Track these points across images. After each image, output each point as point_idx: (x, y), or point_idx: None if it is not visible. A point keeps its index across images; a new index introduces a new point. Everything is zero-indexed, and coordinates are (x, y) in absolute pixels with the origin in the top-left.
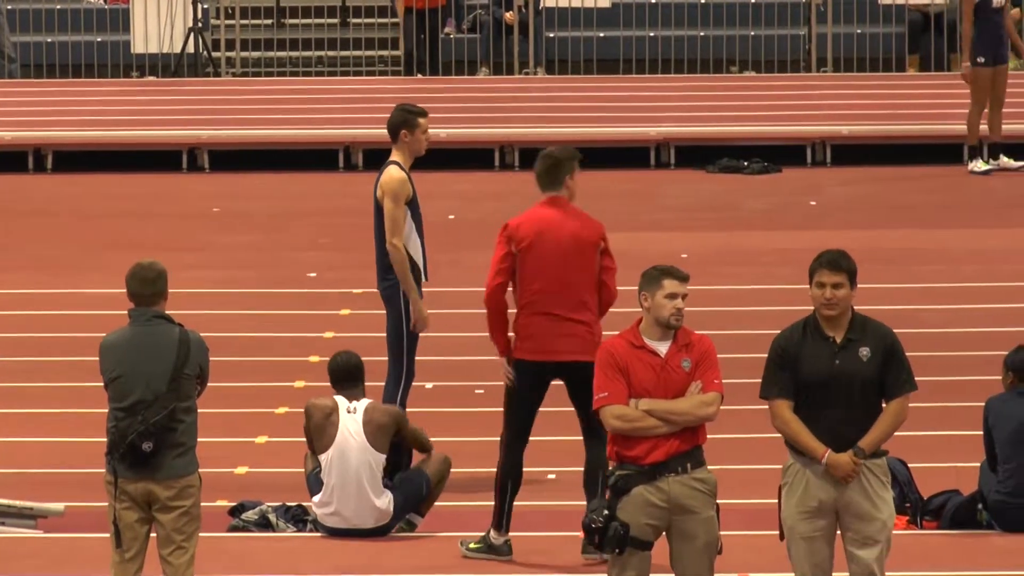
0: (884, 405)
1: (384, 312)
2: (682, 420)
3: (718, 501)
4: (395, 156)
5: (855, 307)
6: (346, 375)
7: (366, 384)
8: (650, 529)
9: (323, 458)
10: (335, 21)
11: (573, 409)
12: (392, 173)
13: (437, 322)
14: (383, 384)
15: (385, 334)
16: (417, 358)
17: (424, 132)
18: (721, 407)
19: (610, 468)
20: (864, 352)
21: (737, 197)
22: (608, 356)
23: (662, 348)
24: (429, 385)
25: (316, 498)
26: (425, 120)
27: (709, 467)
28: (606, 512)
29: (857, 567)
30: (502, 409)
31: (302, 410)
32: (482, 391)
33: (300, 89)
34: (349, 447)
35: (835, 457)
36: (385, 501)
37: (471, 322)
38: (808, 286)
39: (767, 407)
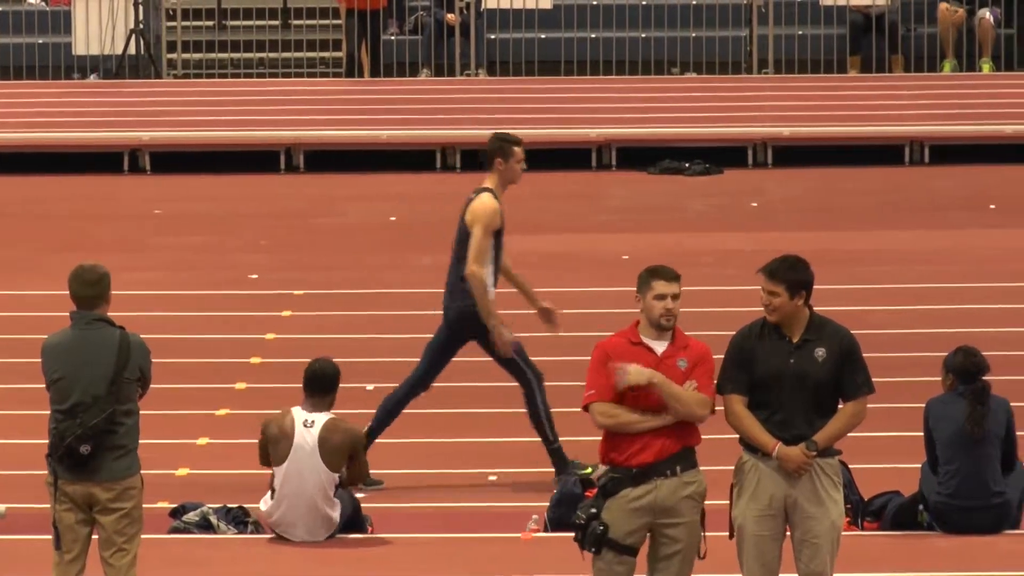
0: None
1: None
2: (680, 408)
3: (707, 502)
4: (488, 183)
5: (814, 308)
6: (316, 383)
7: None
8: (635, 533)
9: (277, 471)
10: (276, 23)
11: (515, 410)
12: (486, 201)
13: (378, 324)
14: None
15: (430, 340)
16: (358, 360)
17: (519, 161)
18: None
19: (602, 469)
20: (820, 353)
21: (678, 199)
22: (602, 353)
23: (659, 347)
24: (370, 387)
25: (264, 507)
26: (520, 149)
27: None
28: (592, 510)
29: (805, 566)
30: (440, 411)
31: (243, 412)
32: (423, 392)
33: (241, 91)
34: (304, 463)
35: (785, 449)
36: (336, 512)
37: (413, 324)
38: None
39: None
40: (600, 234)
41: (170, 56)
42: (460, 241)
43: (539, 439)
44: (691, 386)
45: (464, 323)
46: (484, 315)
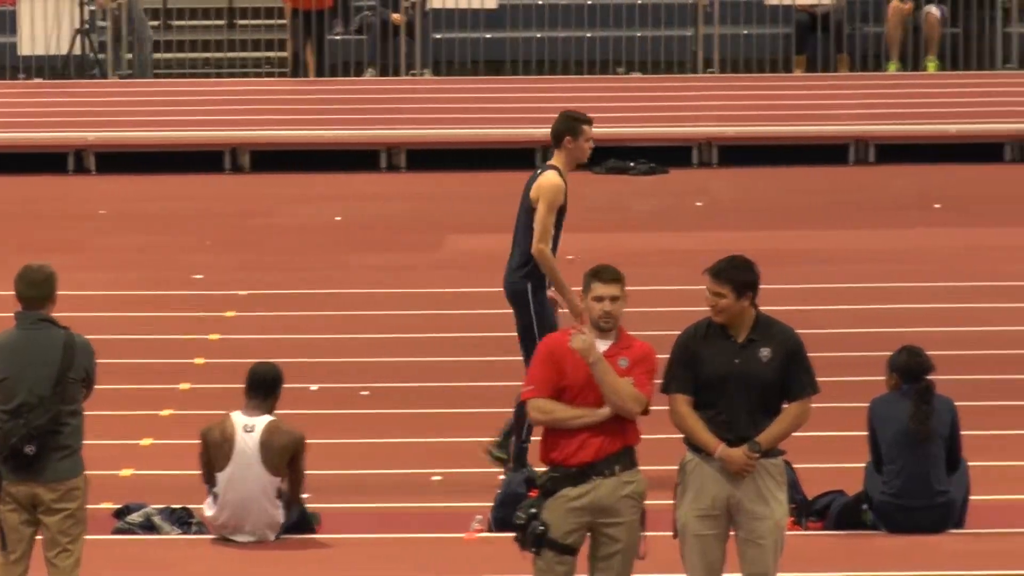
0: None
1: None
2: (612, 397)
3: (650, 502)
4: (555, 161)
5: (760, 308)
6: (256, 385)
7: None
8: (574, 532)
9: (220, 476)
10: (222, 23)
11: (460, 410)
12: (551, 178)
13: (323, 324)
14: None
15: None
16: (302, 360)
17: (588, 140)
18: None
19: (544, 469)
20: (765, 353)
21: (624, 198)
22: (545, 349)
23: (602, 346)
24: (314, 387)
25: (208, 512)
26: (589, 127)
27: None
28: (532, 510)
29: (749, 566)
30: (384, 411)
31: (187, 412)
32: (367, 393)
33: (187, 91)
34: (246, 468)
35: (728, 450)
36: (281, 513)
37: (358, 324)
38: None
39: (662, 408)
40: None
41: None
42: (522, 218)
43: (513, 436)
44: (628, 383)
45: (513, 299)
46: (558, 289)
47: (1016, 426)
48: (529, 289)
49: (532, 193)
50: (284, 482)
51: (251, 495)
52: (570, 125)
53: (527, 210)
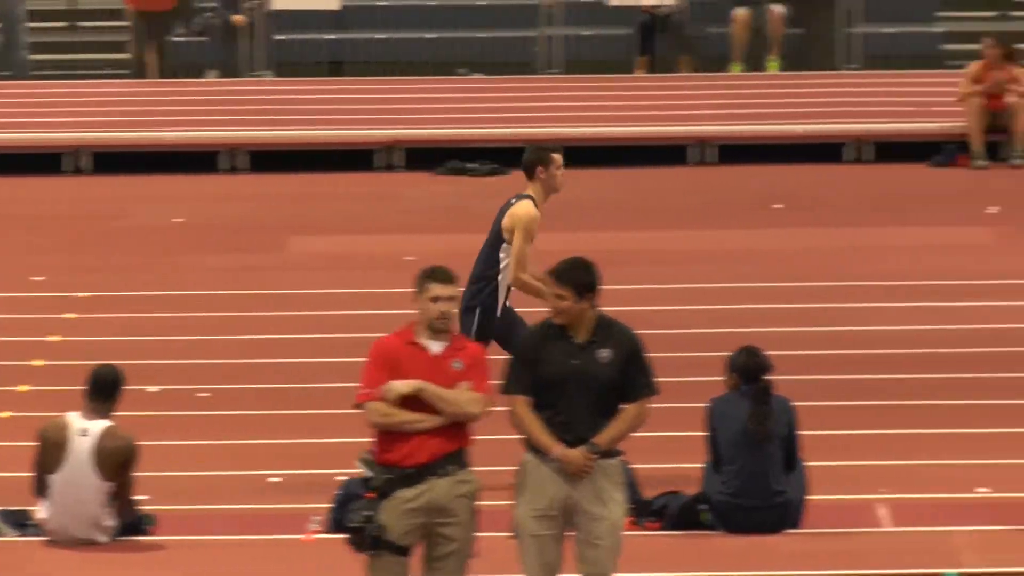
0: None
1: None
2: (450, 409)
3: (487, 502)
4: (530, 191)
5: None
6: (96, 388)
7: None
8: (408, 533)
9: (53, 478)
10: (63, 25)
11: (292, 411)
12: (527, 208)
13: (164, 326)
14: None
15: None
16: (143, 362)
17: (559, 167)
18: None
19: (376, 470)
20: (604, 354)
21: (465, 199)
22: (378, 352)
23: (435, 348)
24: (153, 388)
25: (41, 514)
26: (559, 156)
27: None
28: (365, 513)
29: (586, 567)
30: (224, 413)
31: (26, 414)
32: (207, 394)
33: (27, 92)
34: (78, 472)
35: (566, 452)
36: (113, 519)
37: (199, 326)
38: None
39: (500, 409)
40: (385, 235)
41: None
42: (491, 243)
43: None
44: (466, 387)
45: (462, 316)
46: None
47: (854, 426)
48: (477, 313)
49: (505, 222)
50: (116, 487)
51: (83, 499)
52: (540, 155)
53: (495, 235)
